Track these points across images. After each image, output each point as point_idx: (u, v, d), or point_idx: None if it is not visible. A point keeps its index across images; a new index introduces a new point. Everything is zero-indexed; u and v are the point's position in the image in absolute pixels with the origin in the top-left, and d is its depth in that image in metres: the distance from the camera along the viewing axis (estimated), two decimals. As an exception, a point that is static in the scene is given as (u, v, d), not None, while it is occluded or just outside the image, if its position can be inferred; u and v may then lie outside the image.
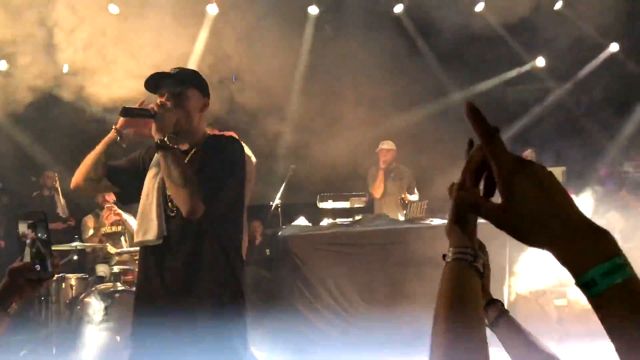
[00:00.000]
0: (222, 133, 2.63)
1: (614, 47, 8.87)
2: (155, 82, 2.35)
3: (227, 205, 2.37)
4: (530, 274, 5.73)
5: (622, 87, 7.61)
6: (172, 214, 2.30)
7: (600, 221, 0.68)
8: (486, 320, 1.32)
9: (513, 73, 9.12)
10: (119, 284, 4.86)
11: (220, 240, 2.35)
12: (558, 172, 9.45)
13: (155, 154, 2.36)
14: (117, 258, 5.22)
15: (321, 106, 6.94)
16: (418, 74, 8.23)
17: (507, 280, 5.60)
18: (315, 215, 6.41)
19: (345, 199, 6.03)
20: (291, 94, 7.80)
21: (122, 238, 5.59)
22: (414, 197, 6.44)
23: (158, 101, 2.28)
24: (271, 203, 6.45)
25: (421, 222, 5.84)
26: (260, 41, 7.15)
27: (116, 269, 5.02)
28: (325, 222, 6.01)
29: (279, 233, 5.60)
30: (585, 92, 8.81)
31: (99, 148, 2.37)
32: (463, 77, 8.81)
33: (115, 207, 5.53)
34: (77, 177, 2.38)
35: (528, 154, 7.11)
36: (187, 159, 2.35)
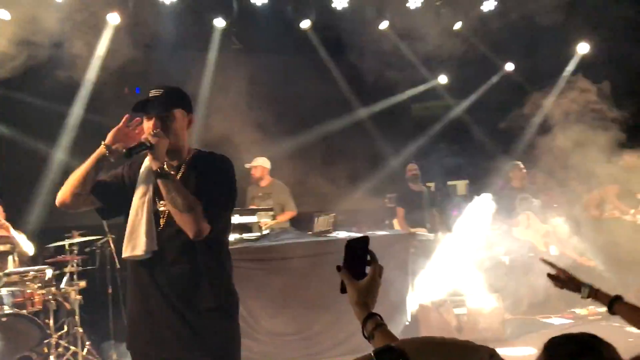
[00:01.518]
0: (205, 150, 2.65)
1: (509, 66, 9.40)
2: (142, 105, 2.39)
3: (227, 220, 2.52)
4: (432, 285, 5.89)
5: (518, 103, 8.02)
6: (163, 229, 2.40)
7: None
8: (364, 332, 1.50)
9: (417, 90, 9.43)
10: (6, 307, 4.53)
11: (215, 251, 2.46)
12: (462, 184, 9.87)
13: (141, 171, 2.48)
14: (4, 279, 4.85)
15: (222, 122, 6.86)
16: (325, 90, 8.34)
17: (410, 291, 5.73)
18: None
19: (253, 213, 5.94)
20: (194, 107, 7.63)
21: (10, 257, 5.21)
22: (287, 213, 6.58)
23: (152, 131, 2.35)
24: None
25: (328, 235, 5.87)
26: (164, 52, 6.99)
27: (4, 290, 4.68)
28: (231, 237, 5.90)
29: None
30: (482, 108, 9.24)
31: (88, 163, 2.40)
32: (368, 93, 9.02)
33: (5, 222, 5.17)
34: (65, 192, 2.41)
35: (411, 168, 7.40)
36: (179, 176, 2.44)
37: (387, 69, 8.16)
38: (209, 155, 2.58)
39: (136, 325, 2.50)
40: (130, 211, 2.44)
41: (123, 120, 2.44)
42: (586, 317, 6.25)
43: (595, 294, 2.43)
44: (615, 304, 2.31)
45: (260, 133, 7.29)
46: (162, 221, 2.41)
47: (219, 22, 7.68)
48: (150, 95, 2.43)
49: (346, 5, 7.89)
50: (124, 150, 2.32)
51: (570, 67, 8.59)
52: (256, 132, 7.19)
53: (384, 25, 8.23)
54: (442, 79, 9.47)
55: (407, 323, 5.67)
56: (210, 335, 2.42)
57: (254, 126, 7.18)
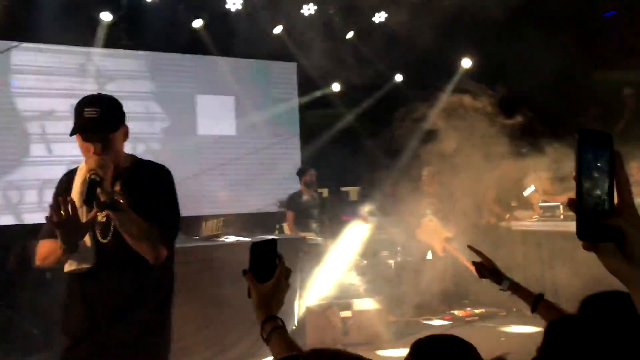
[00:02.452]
0: (143, 159, 2.55)
1: (398, 77, 9.74)
2: (81, 129, 2.25)
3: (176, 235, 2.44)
4: (319, 289, 5.95)
5: (405, 113, 8.32)
6: (104, 241, 2.32)
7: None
8: (263, 334, 1.54)
9: (309, 97, 9.52)
10: None
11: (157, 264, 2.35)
12: (354, 191, 10.07)
13: (75, 184, 2.37)
14: None
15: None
16: (216, 93, 8.22)
17: (298, 296, 5.75)
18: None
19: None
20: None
21: None
22: None
23: (94, 167, 2.17)
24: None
25: (217, 239, 5.76)
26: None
27: None
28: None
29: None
30: (373, 118, 9.50)
31: (55, 259, 2.32)
32: (261, 99, 9.00)
33: None
34: (47, 264, 2.39)
35: (311, 174, 7.46)
36: (117, 186, 2.32)
37: (281, 74, 8.18)
38: (150, 167, 2.50)
39: (76, 339, 2.40)
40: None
41: (57, 226, 2.16)
42: (463, 318, 6.57)
43: (516, 288, 2.47)
44: (539, 303, 2.34)
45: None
46: (99, 233, 2.33)
47: (106, 17, 7.34)
48: (85, 114, 2.24)
49: (240, 7, 7.84)
50: (84, 202, 2.16)
51: (454, 80, 9.03)
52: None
53: (277, 29, 8.25)
54: (335, 87, 9.64)
55: (294, 327, 5.68)
56: (148, 346, 2.38)
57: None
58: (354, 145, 9.61)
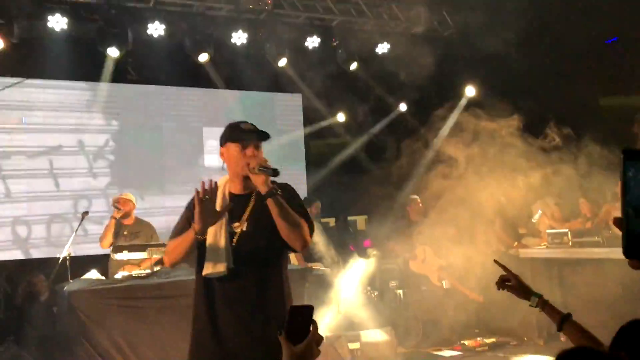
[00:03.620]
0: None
1: (402, 106, 9.81)
2: (263, 135, 2.75)
3: None
4: (327, 320, 5.90)
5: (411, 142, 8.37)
6: (237, 248, 2.60)
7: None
8: None
9: (314, 127, 9.59)
10: None
11: (284, 265, 2.74)
12: (361, 219, 10.05)
13: (218, 200, 2.67)
14: None
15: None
16: (223, 125, 8.26)
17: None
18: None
19: (143, 249, 5.69)
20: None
21: None
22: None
23: (264, 160, 2.62)
24: (58, 255, 5.90)
25: (222, 271, 5.73)
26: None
27: None
28: (120, 274, 5.62)
29: (65, 288, 5.10)
30: (378, 147, 9.54)
31: (186, 246, 2.60)
32: (266, 130, 9.06)
33: None
34: (174, 259, 2.68)
35: (316, 206, 7.44)
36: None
37: (285, 105, 8.26)
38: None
39: (202, 345, 2.65)
40: (208, 236, 2.60)
41: (199, 202, 2.53)
42: (474, 348, 6.47)
43: (544, 305, 2.42)
44: (565, 322, 2.32)
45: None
46: (235, 241, 2.61)
47: (113, 52, 7.46)
48: (244, 127, 2.76)
49: (245, 41, 7.97)
50: (268, 169, 2.55)
51: (459, 108, 9.08)
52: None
53: (282, 62, 8.36)
54: (340, 117, 9.71)
55: (302, 360, 5.61)
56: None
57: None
58: (360, 174, 9.64)
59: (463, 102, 9.17)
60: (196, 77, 8.35)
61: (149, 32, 7.52)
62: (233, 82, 8.60)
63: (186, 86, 8.56)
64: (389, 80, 8.90)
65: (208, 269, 2.59)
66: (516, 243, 7.19)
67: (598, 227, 6.69)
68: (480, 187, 6.51)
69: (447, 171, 6.90)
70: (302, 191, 9.25)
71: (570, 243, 6.49)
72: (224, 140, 2.78)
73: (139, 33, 7.52)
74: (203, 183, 2.54)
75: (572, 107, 7.69)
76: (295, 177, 9.41)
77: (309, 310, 1.65)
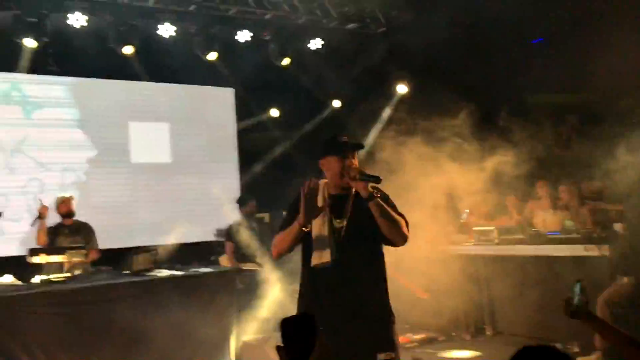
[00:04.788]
0: None
1: (336, 103, 9.78)
2: (356, 147, 3.06)
3: None
4: (257, 322, 5.80)
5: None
6: (341, 242, 2.95)
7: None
8: None
9: (247, 122, 9.43)
10: None
11: (383, 260, 3.09)
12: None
13: (320, 201, 2.99)
14: None
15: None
16: (150, 119, 8.02)
17: (234, 330, 5.58)
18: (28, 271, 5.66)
19: (62, 252, 5.42)
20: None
21: None
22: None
23: (363, 169, 2.94)
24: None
25: (148, 274, 5.52)
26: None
27: None
28: (37, 279, 5.32)
29: (-27, 295, 4.77)
30: (311, 143, 9.48)
31: (294, 236, 2.98)
32: (197, 125, 8.85)
33: None
34: (282, 250, 3.06)
35: (251, 205, 7.28)
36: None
37: (217, 100, 8.07)
38: None
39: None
40: (313, 230, 2.96)
41: (304, 197, 2.88)
42: (403, 344, 6.51)
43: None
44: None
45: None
46: (338, 235, 2.97)
47: (29, 42, 7.05)
48: (346, 139, 3.06)
49: (173, 34, 7.72)
50: (370, 177, 2.89)
51: (391, 106, 9.13)
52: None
53: (212, 56, 8.15)
54: (274, 113, 9.59)
55: (231, 362, 5.51)
56: (375, 340, 2.84)
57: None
58: (296, 169, 9.57)
59: (395, 98, 9.24)
60: (121, 70, 8.01)
61: (69, 22, 7.15)
62: (160, 76, 8.32)
63: (111, 79, 8.22)
64: (323, 76, 8.84)
65: (315, 260, 2.95)
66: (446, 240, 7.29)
67: (523, 224, 6.89)
68: (414, 184, 6.55)
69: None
70: (235, 188, 9.09)
71: (497, 240, 6.64)
72: (324, 153, 3.06)
73: (59, 23, 7.15)
74: (307, 182, 2.89)
75: (501, 106, 7.86)
76: (228, 173, 9.23)
77: (308, 320, 1.47)
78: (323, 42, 8.63)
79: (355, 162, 3.01)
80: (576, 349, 5.73)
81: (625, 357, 2.48)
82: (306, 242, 3.01)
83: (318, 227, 2.98)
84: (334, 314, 2.91)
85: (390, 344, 2.92)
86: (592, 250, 5.60)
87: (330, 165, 3.02)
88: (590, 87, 7.02)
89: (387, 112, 9.08)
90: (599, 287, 5.24)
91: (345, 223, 2.99)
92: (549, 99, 7.78)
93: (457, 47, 8.01)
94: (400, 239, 2.99)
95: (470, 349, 6.25)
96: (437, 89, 7.70)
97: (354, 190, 3.02)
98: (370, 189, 2.91)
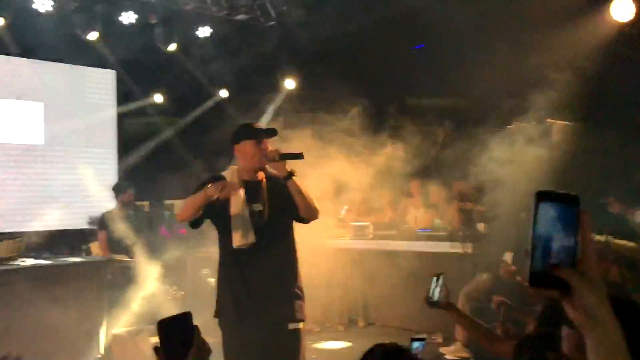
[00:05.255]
0: None
1: (223, 93, 9.67)
2: (271, 132, 3.24)
3: None
4: (129, 314, 5.64)
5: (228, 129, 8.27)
6: (261, 225, 3.16)
7: None
8: None
9: (129, 107, 9.10)
10: None
11: (293, 238, 3.31)
12: (179, 204, 9.73)
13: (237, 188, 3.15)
14: None
15: None
16: (21, 98, 7.51)
17: (105, 322, 5.39)
18: None
19: None
20: None
21: None
22: None
23: (279, 151, 3.12)
24: None
25: (10, 263, 5.17)
26: None
27: None
28: None
29: None
30: (196, 131, 9.33)
31: (200, 201, 3.07)
32: (73, 106, 8.41)
33: None
34: (186, 215, 3.16)
35: (129, 194, 7.02)
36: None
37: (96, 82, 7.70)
38: None
39: (239, 302, 3.18)
40: (232, 214, 3.12)
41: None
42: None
43: None
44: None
45: None
46: (256, 218, 3.16)
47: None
48: (260, 125, 3.44)
49: (50, 8, 7.27)
50: (292, 155, 3.09)
51: (278, 100, 9.18)
52: None
53: (93, 36, 7.75)
54: (157, 98, 9.32)
55: (100, 355, 5.31)
56: (288, 313, 3.18)
57: None
58: (177, 157, 9.37)
59: (283, 93, 9.29)
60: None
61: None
62: (34, 52, 7.79)
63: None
64: (210, 65, 8.70)
65: (238, 242, 3.10)
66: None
67: (396, 221, 7.23)
68: (299, 177, 6.63)
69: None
70: (112, 174, 8.74)
71: (371, 235, 6.92)
72: (239, 138, 3.17)
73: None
74: (216, 185, 2.98)
75: (387, 107, 8.15)
76: (105, 158, 8.85)
77: (184, 319, 1.44)
78: (212, 31, 8.50)
79: (270, 146, 3.16)
80: (440, 340, 6.13)
81: (482, 347, 2.73)
82: (223, 225, 3.17)
83: (239, 211, 3.14)
84: (252, 291, 3.15)
85: (300, 316, 3.23)
86: (456, 248, 6.00)
87: (245, 149, 3.15)
88: (463, 93, 7.47)
89: (274, 106, 9.12)
90: (462, 282, 5.64)
91: (262, 207, 3.19)
92: (428, 103, 8.18)
93: (347, 46, 8.20)
94: (315, 214, 3.23)
95: (343, 340, 6.47)
96: (327, 85, 7.86)
97: (264, 175, 3.24)
98: (287, 170, 3.09)
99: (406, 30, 7.84)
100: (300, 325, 3.26)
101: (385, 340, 1.90)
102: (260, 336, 3.13)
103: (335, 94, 7.56)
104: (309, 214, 3.23)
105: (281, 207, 3.19)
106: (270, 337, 3.14)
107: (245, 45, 8.41)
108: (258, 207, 3.19)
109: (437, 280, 2.80)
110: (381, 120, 7.72)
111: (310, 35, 7.99)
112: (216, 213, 3.17)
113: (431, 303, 2.76)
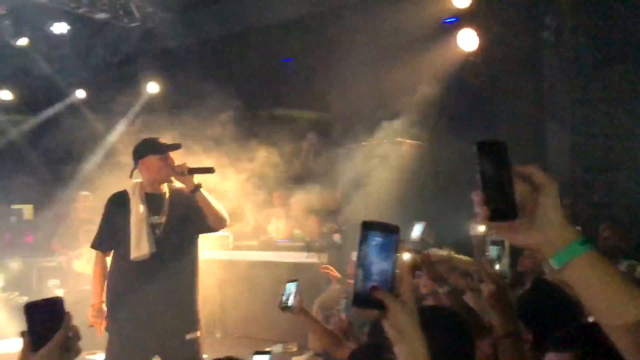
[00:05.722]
0: None
1: (80, 93, 9.14)
2: (175, 147, 3.33)
3: None
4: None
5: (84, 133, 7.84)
6: (158, 236, 3.23)
7: None
8: None
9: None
10: None
11: (197, 251, 3.40)
12: (29, 209, 9.03)
13: (133, 201, 3.26)
14: None
15: None
16: None
17: None
18: None
19: None
20: None
21: None
22: None
23: (185, 165, 3.26)
24: None
25: None
26: None
27: None
28: None
29: None
30: (47, 131, 8.76)
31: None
32: None
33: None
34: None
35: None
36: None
37: None
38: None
39: (130, 310, 3.19)
40: (131, 226, 3.17)
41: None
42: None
43: None
44: None
45: None
46: (157, 230, 3.22)
47: None
48: (164, 140, 3.33)
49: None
50: (203, 169, 3.26)
51: (139, 105, 8.85)
52: None
53: None
54: (5, 95, 8.64)
55: None
56: (184, 322, 3.26)
57: None
58: (25, 160, 8.74)
59: (145, 96, 8.98)
60: None
61: None
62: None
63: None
64: (66, 63, 8.22)
65: (135, 253, 3.15)
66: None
67: (256, 231, 7.26)
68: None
69: (117, 167, 6.66)
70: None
71: (232, 246, 6.90)
72: (144, 153, 3.25)
73: None
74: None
75: (251, 117, 8.15)
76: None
77: (53, 303, 1.31)
78: (69, 28, 8.03)
79: (173, 160, 3.27)
80: (295, 349, 6.24)
81: (333, 356, 2.87)
82: (122, 239, 3.22)
83: (138, 223, 3.20)
84: (150, 301, 3.19)
85: (196, 325, 3.31)
86: (312, 258, 6.15)
87: (150, 164, 3.25)
88: (327, 107, 7.70)
89: (135, 109, 8.80)
90: (317, 291, 5.79)
91: (163, 220, 3.25)
92: (294, 114, 8.33)
93: (216, 52, 8.12)
94: (223, 223, 3.36)
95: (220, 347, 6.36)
96: (194, 90, 7.71)
97: (167, 188, 3.33)
98: (195, 183, 3.20)
99: (277, 41, 7.93)
100: (198, 334, 3.32)
101: (241, 351, 1.91)
102: (159, 346, 3.18)
103: (202, 100, 7.46)
104: (217, 224, 3.32)
105: (183, 219, 3.26)
106: (168, 347, 3.19)
107: (105, 45, 8.04)
108: (159, 219, 3.26)
109: (292, 286, 2.88)
110: (248, 128, 7.72)
111: (177, 39, 7.83)
112: (118, 229, 3.25)
113: (285, 308, 2.83)
